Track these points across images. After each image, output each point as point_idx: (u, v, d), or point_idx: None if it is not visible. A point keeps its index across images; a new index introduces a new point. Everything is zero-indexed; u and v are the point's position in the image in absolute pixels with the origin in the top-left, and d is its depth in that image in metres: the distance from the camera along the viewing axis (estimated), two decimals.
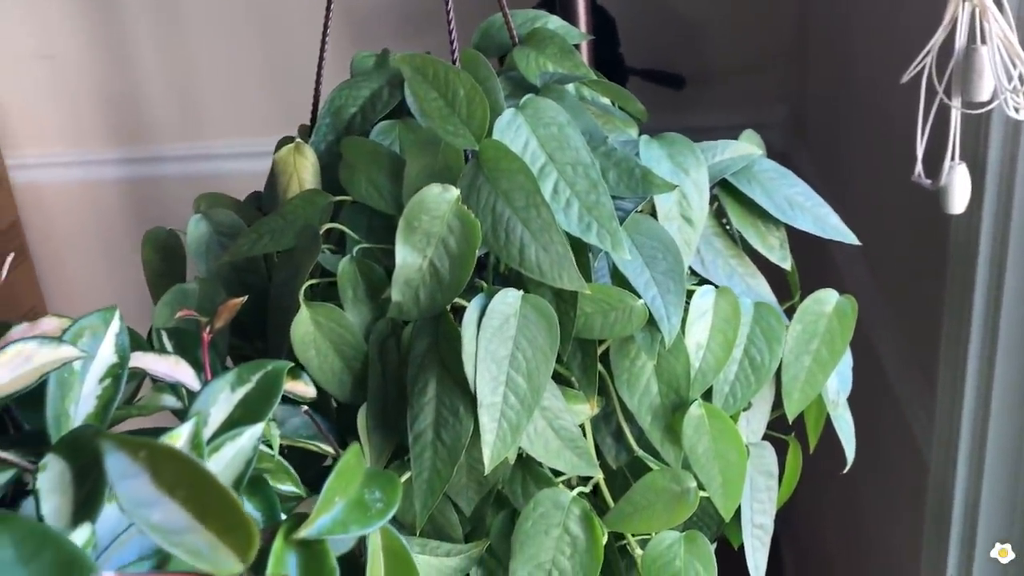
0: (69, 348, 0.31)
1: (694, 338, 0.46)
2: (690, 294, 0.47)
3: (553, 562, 0.45)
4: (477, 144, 0.44)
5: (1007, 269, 0.62)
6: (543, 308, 0.43)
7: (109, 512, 0.29)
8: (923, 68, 0.54)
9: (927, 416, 0.74)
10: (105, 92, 1.38)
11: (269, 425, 0.37)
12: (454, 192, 0.43)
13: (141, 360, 0.36)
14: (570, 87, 0.53)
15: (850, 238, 0.52)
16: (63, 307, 1.42)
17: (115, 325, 0.35)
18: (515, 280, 0.45)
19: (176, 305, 0.51)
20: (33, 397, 0.34)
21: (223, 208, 0.55)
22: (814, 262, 1.02)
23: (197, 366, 0.38)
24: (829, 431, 0.54)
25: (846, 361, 0.52)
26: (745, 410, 0.51)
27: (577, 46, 0.58)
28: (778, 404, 0.51)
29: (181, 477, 0.23)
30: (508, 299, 0.43)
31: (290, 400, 0.42)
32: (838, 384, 0.52)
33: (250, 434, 0.31)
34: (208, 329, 0.38)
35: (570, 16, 0.91)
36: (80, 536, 0.26)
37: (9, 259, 0.42)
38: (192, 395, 0.35)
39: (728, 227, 0.53)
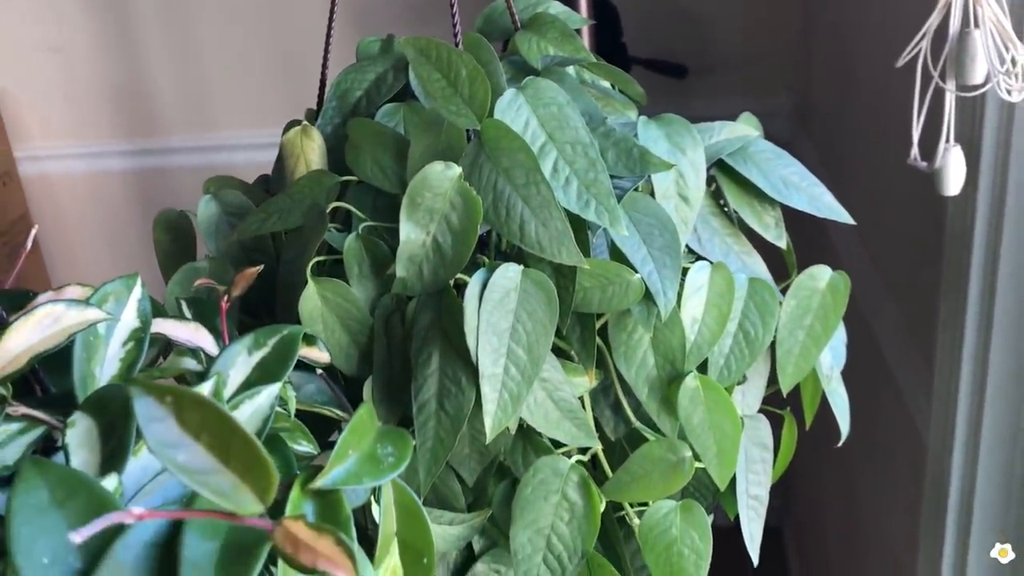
0: (95, 311, 0.33)
1: (689, 312, 0.47)
2: (686, 270, 0.48)
3: (552, 527, 0.46)
4: (479, 123, 0.45)
5: (1002, 249, 0.63)
6: (543, 282, 0.44)
7: (134, 466, 0.30)
8: (918, 52, 0.55)
9: (924, 397, 0.76)
10: (113, 84, 1.40)
11: (286, 387, 0.39)
12: (456, 169, 0.45)
13: (162, 326, 0.38)
14: (570, 70, 0.54)
15: (844, 217, 0.53)
16: None
17: (137, 291, 0.36)
18: (516, 257, 0.47)
19: (187, 283, 0.52)
20: (59, 361, 0.36)
21: (232, 190, 0.56)
22: (813, 245, 1.03)
23: (215, 334, 0.40)
24: (830, 419, 0.55)
25: (839, 336, 0.53)
26: (740, 384, 0.52)
27: (578, 32, 0.59)
28: (774, 379, 0.52)
29: (205, 421, 0.24)
30: (509, 273, 0.44)
31: (305, 367, 0.44)
32: (832, 359, 0.53)
33: (267, 393, 0.32)
34: (226, 297, 0.40)
35: (572, 4, 0.93)
36: (108, 484, 0.28)
37: (31, 237, 0.43)
38: (211, 360, 0.37)
39: (725, 206, 0.54)
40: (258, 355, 0.36)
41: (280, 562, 0.26)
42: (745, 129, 0.54)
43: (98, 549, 0.26)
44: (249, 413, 0.31)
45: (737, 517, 0.52)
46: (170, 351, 0.42)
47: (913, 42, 0.55)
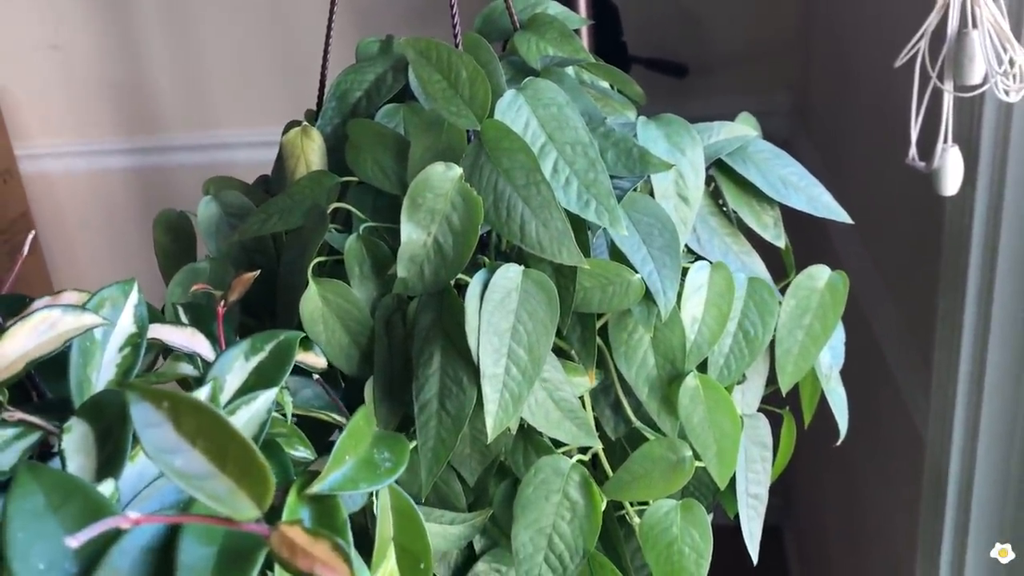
0: (92, 316, 0.33)
1: (689, 311, 0.48)
2: (686, 270, 0.48)
3: (553, 526, 0.46)
4: (479, 124, 0.46)
5: (1000, 248, 0.63)
6: (543, 282, 0.44)
7: (130, 471, 0.30)
8: (917, 52, 0.55)
9: (923, 395, 0.76)
10: (114, 82, 1.40)
11: (282, 392, 0.39)
12: (457, 170, 0.45)
13: (158, 331, 0.38)
14: (570, 70, 0.54)
15: (842, 216, 0.54)
16: None
17: (134, 297, 0.36)
18: (516, 258, 0.47)
19: (188, 284, 0.52)
20: (55, 367, 0.36)
21: (232, 190, 0.56)
22: (812, 245, 1.04)
23: (212, 339, 0.40)
24: (830, 418, 0.55)
25: (838, 335, 0.54)
26: (740, 383, 0.52)
27: (577, 32, 0.59)
28: (773, 379, 0.52)
29: (202, 426, 0.24)
30: (509, 274, 0.45)
31: (302, 372, 0.44)
32: (831, 358, 0.53)
33: (264, 398, 0.32)
34: (222, 303, 0.40)
35: (571, 4, 0.93)
36: (105, 490, 0.28)
37: (28, 241, 0.43)
38: (208, 365, 0.37)
39: (724, 206, 0.54)
40: (255, 360, 0.36)
41: (277, 567, 0.26)
42: (744, 129, 0.54)
43: (94, 554, 0.26)
44: (246, 418, 0.31)
45: (737, 516, 0.52)
46: (167, 356, 0.42)
47: (911, 42, 0.55)
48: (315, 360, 0.42)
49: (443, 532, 0.48)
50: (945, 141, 0.56)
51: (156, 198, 1.48)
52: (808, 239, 0.85)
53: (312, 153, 0.53)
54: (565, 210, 0.44)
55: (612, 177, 0.47)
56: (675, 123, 0.51)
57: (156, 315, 0.40)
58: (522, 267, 0.45)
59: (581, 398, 0.48)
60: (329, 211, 0.49)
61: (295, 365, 0.38)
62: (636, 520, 0.50)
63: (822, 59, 1.16)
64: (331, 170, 0.53)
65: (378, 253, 0.48)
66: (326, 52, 0.59)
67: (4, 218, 1.40)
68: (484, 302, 0.44)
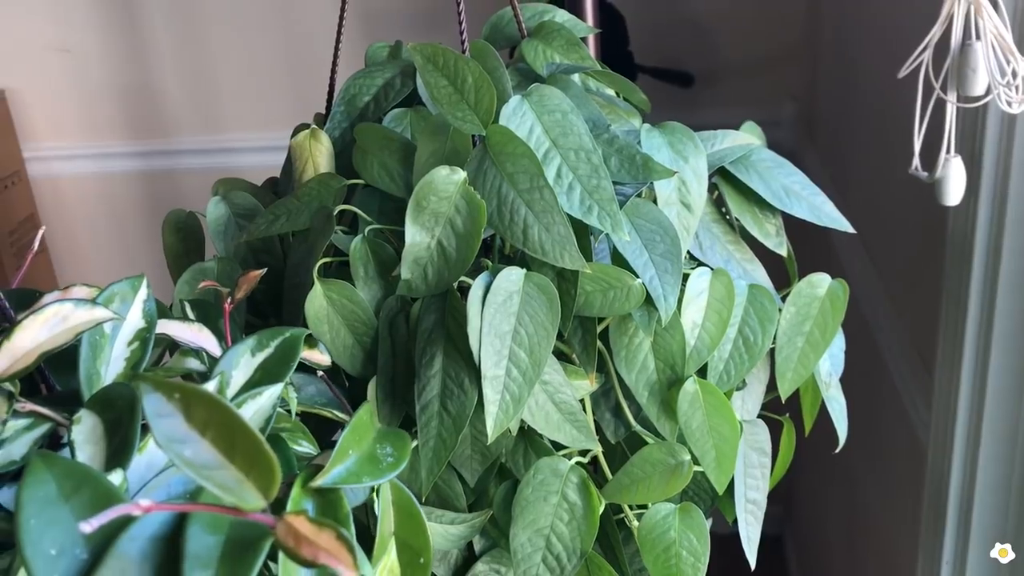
0: (103, 310, 0.33)
1: (690, 317, 0.48)
2: (687, 276, 0.49)
3: (551, 527, 0.47)
4: (484, 129, 0.46)
5: (1002, 258, 0.63)
6: (545, 286, 0.45)
7: (138, 462, 0.31)
8: (921, 63, 0.56)
9: (925, 404, 0.76)
10: (122, 85, 1.41)
11: (287, 388, 0.39)
12: (461, 174, 0.45)
13: (167, 327, 0.38)
14: (576, 77, 0.55)
15: (844, 226, 0.54)
16: None
17: (143, 292, 0.37)
18: (519, 261, 0.47)
19: (195, 283, 0.53)
20: (64, 360, 0.36)
21: (241, 191, 0.57)
22: (815, 253, 1.04)
23: (218, 335, 0.40)
24: (831, 427, 0.55)
25: (838, 343, 0.54)
26: (740, 389, 0.52)
27: (584, 40, 0.60)
28: (773, 386, 0.53)
29: (211, 418, 0.25)
30: (512, 277, 0.45)
31: (306, 369, 0.44)
32: (830, 365, 0.54)
33: (269, 393, 0.33)
34: (229, 300, 0.41)
35: (578, 13, 0.93)
36: (114, 479, 0.29)
37: (38, 238, 0.44)
38: (214, 360, 0.38)
39: (727, 214, 0.55)
40: (261, 356, 0.37)
41: (281, 556, 0.26)
42: (747, 138, 0.55)
43: (103, 542, 0.26)
44: (251, 413, 0.32)
45: (735, 523, 0.52)
46: (174, 352, 0.43)
47: (915, 53, 0.56)
48: (320, 357, 0.42)
49: (443, 532, 0.48)
50: (948, 151, 0.57)
51: (163, 202, 1.48)
52: (811, 248, 0.86)
53: (320, 156, 0.54)
54: (568, 215, 0.45)
55: (615, 183, 0.47)
56: (679, 131, 0.51)
57: (164, 311, 0.40)
58: (524, 270, 0.46)
59: (581, 401, 0.49)
60: (336, 213, 0.50)
61: (300, 362, 0.38)
62: (635, 523, 0.50)
63: (827, 70, 1.17)
64: (338, 173, 0.54)
65: (383, 255, 0.49)
66: (336, 57, 0.60)
67: (11, 220, 1.41)
68: (486, 304, 0.45)
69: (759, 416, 0.54)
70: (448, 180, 0.45)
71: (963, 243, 0.66)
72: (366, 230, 0.49)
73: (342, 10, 0.58)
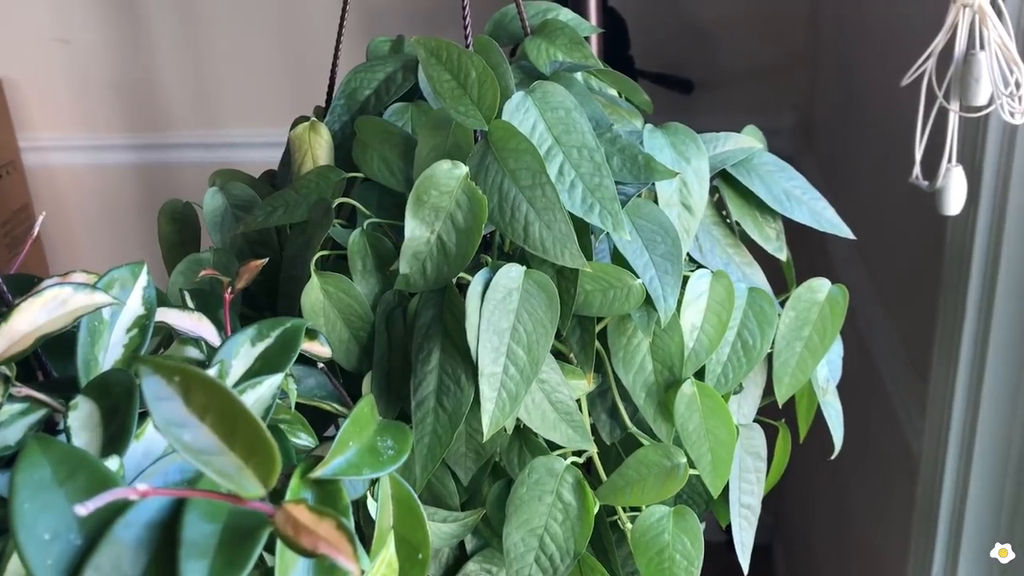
0: (102, 295, 0.33)
1: (689, 319, 0.48)
2: (687, 278, 0.49)
3: (545, 527, 0.46)
4: (487, 125, 0.46)
5: (1000, 268, 0.64)
6: (545, 283, 0.45)
7: (135, 449, 0.30)
8: (923, 72, 0.56)
9: (918, 414, 0.76)
10: (120, 77, 1.41)
11: (288, 380, 0.39)
12: (464, 169, 0.45)
13: (166, 315, 0.38)
14: (579, 76, 0.55)
15: (845, 232, 0.54)
16: None
17: (143, 279, 0.36)
18: (518, 259, 0.47)
19: (191, 273, 0.53)
20: (61, 347, 0.36)
21: (239, 183, 0.57)
22: (811, 260, 1.04)
23: (217, 325, 0.40)
24: (823, 435, 0.55)
25: (836, 349, 0.54)
26: (736, 393, 0.52)
27: (587, 40, 0.60)
28: (769, 391, 0.53)
29: (212, 402, 0.24)
30: (512, 273, 0.45)
31: (306, 361, 0.44)
32: (828, 372, 0.54)
33: (269, 383, 0.33)
34: (230, 289, 0.40)
35: (581, 15, 0.93)
36: (110, 466, 0.28)
37: (37, 224, 0.44)
38: (213, 350, 0.37)
39: (727, 217, 0.54)
40: (261, 346, 0.37)
41: (279, 545, 0.26)
42: (750, 141, 0.55)
43: (99, 527, 0.26)
44: (251, 402, 0.32)
45: (727, 530, 0.52)
46: (172, 341, 0.42)
47: (919, 62, 0.56)
48: (320, 349, 0.42)
49: (435, 530, 0.48)
50: (949, 161, 0.57)
51: (158, 195, 1.47)
52: (808, 254, 0.86)
53: (319, 148, 0.54)
54: (569, 213, 0.45)
55: (617, 183, 0.47)
56: (681, 132, 0.51)
57: (163, 299, 0.40)
58: (524, 267, 0.45)
59: (578, 401, 0.48)
60: (334, 206, 0.49)
61: (299, 354, 0.38)
62: (628, 526, 0.50)
63: (828, 78, 1.17)
64: (337, 166, 0.53)
65: (381, 249, 0.48)
66: (337, 49, 0.59)
67: (6, 210, 1.40)
68: (485, 301, 0.44)
69: (755, 421, 0.54)
70: (450, 175, 0.45)
71: (961, 253, 0.66)
72: (365, 223, 0.49)
73: (344, 3, 0.58)
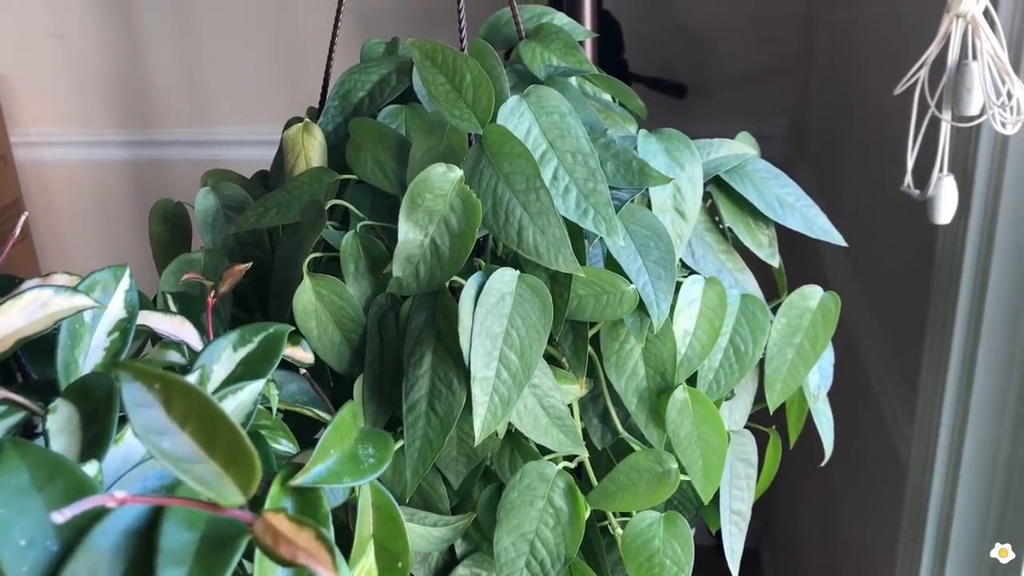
0: (83, 298, 0.33)
1: (681, 325, 0.48)
2: (680, 284, 0.49)
3: (536, 532, 0.46)
4: (481, 128, 0.46)
5: (990, 277, 0.64)
6: (538, 288, 0.45)
7: (114, 454, 0.30)
8: (916, 81, 0.56)
9: (907, 422, 0.76)
10: (114, 74, 1.40)
11: (269, 385, 0.39)
12: (458, 172, 0.45)
13: (148, 319, 0.37)
14: (573, 81, 0.55)
15: (837, 239, 0.54)
16: None
17: (125, 282, 0.36)
18: (512, 264, 0.47)
19: (181, 274, 0.52)
20: (41, 349, 0.35)
21: (231, 183, 0.56)
22: (803, 267, 1.04)
23: (201, 329, 0.40)
24: (812, 441, 0.55)
25: (828, 356, 0.54)
26: (728, 399, 0.52)
27: (582, 44, 0.60)
28: (761, 397, 0.53)
29: (192, 410, 0.24)
30: (505, 278, 0.45)
31: (288, 367, 0.44)
32: (819, 379, 0.54)
33: (251, 389, 0.32)
34: (213, 293, 0.40)
35: (576, 18, 0.93)
36: (89, 471, 0.28)
37: (20, 223, 0.43)
38: (195, 354, 0.37)
39: (720, 223, 0.54)
40: (243, 351, 0.36)
41: (258, 555, 0.26)
42: (743, 147, 0.55)
43: (75, 534, 0.25)
44: (232, 408, 0.31)
45: (716, 535, 0.52)
46: (154, 344, 0.42)
47: (912, 71, 0.56)
48: (303, 355, 0.42)
49: (425, 534, 0.47)
50: (941, 170, 0.57)
51: (150, 192, 1.47)
52: (799, 262, 0.86)
53: (313, 150, 0.54)
54: (563, 218, 0.45)
55: (611, 188, 0.47)
56: (676, 138, 0.51)
57: (146, 302, 0.39)
58: (518, 272, 0.45)
59: (570, 406, 0.48)
60: (327, 208, 0.49)
61: (282, 360, 0.37)
62: (619, 531, 0.50)
63: (821, 86, 1.17)
64: (331, 168, 0.53)
65: (374, 251, 0.48)
66: (331, 50, 0.59)
67: None
68: (478, 305, 0.44)
69: (746, 427, 0.54)
70: (444, 178, 0.45)
71: (951, 261, 0.66)
72: (358, 226, 0.48)
73: (339, 4, 0.57)
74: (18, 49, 1.39)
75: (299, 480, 0.29)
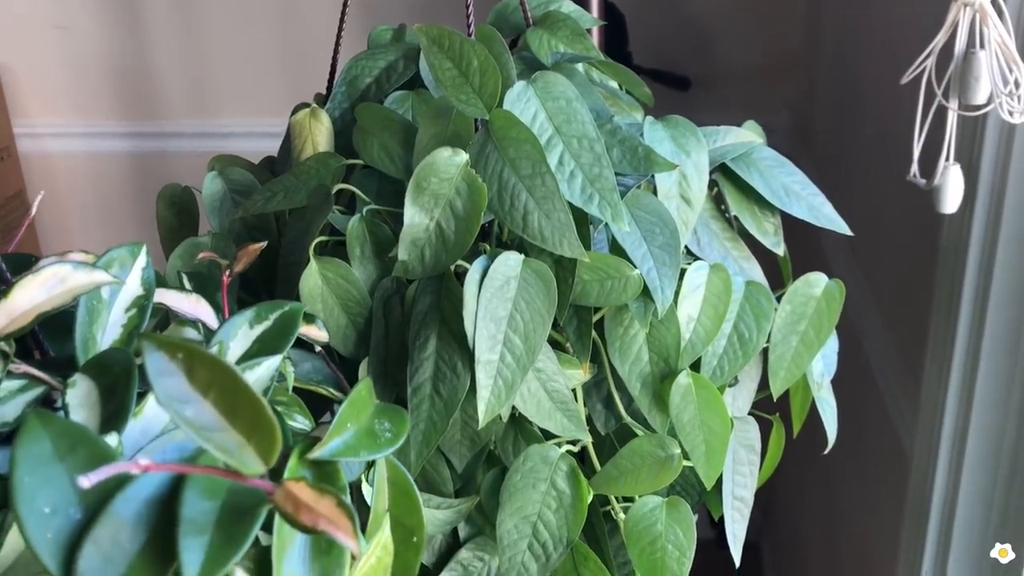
0: (102, 273, 0.33)
1: (686, 310, 0.48)
2: (685, 270, 0.49)
3: (539, 515, 0.47)
4: (488, 113, 0.46)
5: (995, 268, 0.64)
6: (543, 272, 0.45)
7: (133, 427, 0.30)
8: (923, 70, 0.56)
9: (911, 413, 0.76)
10: (118, 64, 1.40)
11: (285, 363, 0.39)
12: (464, 156, 0.45)
13: (164, 296, 0.38)
14: (580, 67, 0.55)
15: (842, 227, 0.54)
16: None
17: (142, 259, 0.36)
18: (517, 248, 0.47)
19: (188, 257, 0.52)
20: (59, 325, 0.36)
21: (238, 168, 0.57)
22: (806, 256, 1.04)
23: (215, 307, 0.40)
24: (814, 433, 0.55)
25: (831, 344, 0.54)
26: (732, 386, 0.53)
27: (589, 32, 0.60)
28: (765, 384, 0.53)
29: (214, 379, 0.24)
30: (510, 262, 0.45)
31: (303, 345, 0.44)
32: (823, 366, 0.54)
33: (267, 364, 0.33)
34: (228, 272, 0.40)
35: (583, 7, 0.93)
36: (109, 442, 0.28)
37: (35, 204, 0.43)
38: (211, 332, 0.37)
39: (725, 211, 0.55)
40: (259, 328, 0.37)
41: (277, 522, 0.26)
42: (749, 135, 0.55)
43: (98, 502, 0.26)
44: (249, 382, 0.31)
45: (716, 528, 0.52)
46: (169, 323, 0.42)
47: (919, 60, 0.56)
48: (317, 334, 0.42)
49: (429, 516, 0.48)
50: (947, 159, 0.57)
51: (154, 183, 1.46)
52: (803, 250, 0.86)
53: (320, 135, 0.54)
54: (568, 203, 0.45)
55: (616, 174, 0.47)
56: (682, 125, 0.51)
57: (161, 281, 0.40)
58: (522, 256, 0.45)
59: (574, 391, 0.49)
60: (334, 192, 0.49)
61: (297, 338, 0.38)
62: (621, 516, 0.50)
63: (825, 78, 1.18)
64: (338, 153, 0.53)
65: (380, 235, 0.48)
66: (339, 37, 0.59)
67: (0, 196, 1.40)
68: (483, 288, 0.44)
69: (749, 414, 0.54)
70: (450, 162, 0.45)
71: (956, 251, 0.66)
72: (364, 210, 0.49)
73: None
74: (22, 40, 1.40)
75: (317, 453, 0.29)
